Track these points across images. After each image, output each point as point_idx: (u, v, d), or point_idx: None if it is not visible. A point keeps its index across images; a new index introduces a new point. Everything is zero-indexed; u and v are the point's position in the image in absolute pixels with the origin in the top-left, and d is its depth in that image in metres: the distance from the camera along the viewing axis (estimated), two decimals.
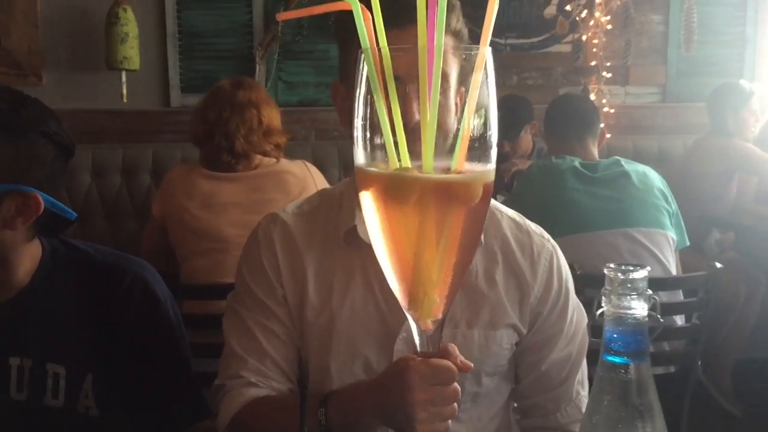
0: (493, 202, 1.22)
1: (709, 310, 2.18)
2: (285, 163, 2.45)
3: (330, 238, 1.15)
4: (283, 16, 0.72)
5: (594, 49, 4.00)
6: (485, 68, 0.63)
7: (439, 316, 0.68)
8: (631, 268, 0.66)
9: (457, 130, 0.63)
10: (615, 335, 0.67)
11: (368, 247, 1.09)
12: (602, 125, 2.92)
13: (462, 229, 0.64)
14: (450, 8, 1.07)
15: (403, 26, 0.99)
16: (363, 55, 0.64)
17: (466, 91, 0.64)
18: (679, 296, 2.29)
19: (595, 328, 0.70)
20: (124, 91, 3.71)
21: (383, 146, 0.63)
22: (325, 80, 3.87)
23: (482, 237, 1.14)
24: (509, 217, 1.19)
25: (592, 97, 3.93)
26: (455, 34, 1.05)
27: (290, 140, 2.60)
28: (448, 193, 0.63)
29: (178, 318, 1.30)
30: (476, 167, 0.64)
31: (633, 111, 4.16)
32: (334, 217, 1.16)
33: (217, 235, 2.31)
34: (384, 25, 1.00)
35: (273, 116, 2.44)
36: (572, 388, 1.17)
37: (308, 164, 2.55)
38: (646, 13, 4.08)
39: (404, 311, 0.67)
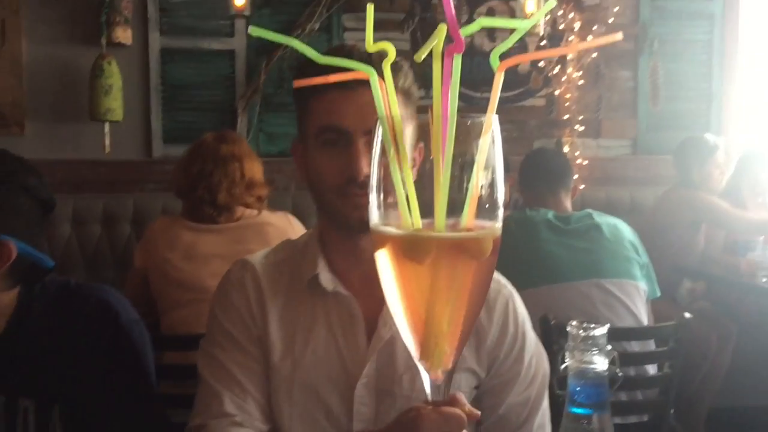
0: None
1: (680, 359, 2.23)
2: (266, 215, 2.49)
3: (294, 285, 1.18)
4: (299, 83, 0.76)
5: (567, 103, 4.13)
6: (492, 133, 0.68)
7: (450, 366, 0.71)
8: (592, 326, 0.72)
9: (466, 188, 0.67)
10: (578, 388, 0.72)
11: (331, 295, 1.16)
12: (576, 176, 3.01)
13: (472, 282, 0.68)
14: (398, 68, 1.15)
15: (353, 88, 1.07)
16: (378, 122, 0.68)
17: (469, 153, 0.67)
18: (651, 346, 2.34)
19: (562, 380, 0.75)
20: (107, 141, 3.76)
21: (395, 206, 0.67)
22: None
23: None
24: None
25: (566, 149, 4.05)
26: (404, 93, 1.13)
27: (271, 191, 2.65)
28: (460, 250, 0.67)
29: (144, 340, 1.31)
30: (486, 224, 0.68)
31: (605, 163, 4.28)
32: (298, 265, 1.20)
33: (199, 285, 2.33)
34: (330, 86, 1.08)
35: (255, 169, 2.48)
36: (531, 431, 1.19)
37: (289, 216, 2.60)
38: (616, 69, 4.24)
39: (416, 361, 0.71)
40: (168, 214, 2.86)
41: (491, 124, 0.68)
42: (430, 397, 0.75)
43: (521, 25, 0.72)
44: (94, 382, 1.24)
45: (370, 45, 0.70)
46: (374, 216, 0.69)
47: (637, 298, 2.35)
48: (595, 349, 0.71)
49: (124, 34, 3.75)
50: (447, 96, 0.67)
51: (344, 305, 1.16)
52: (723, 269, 3.54)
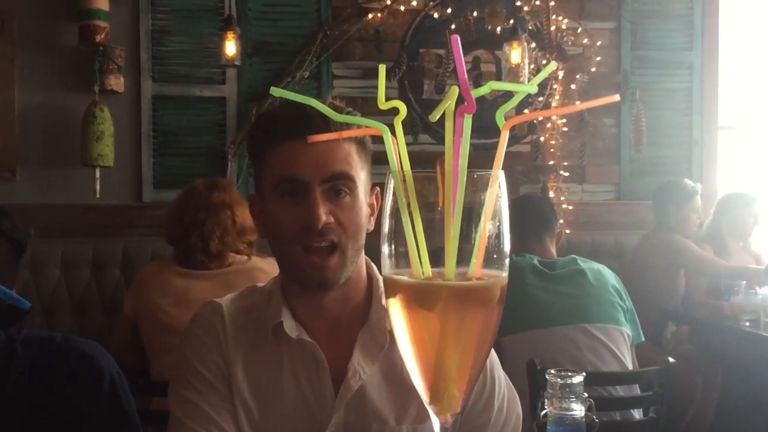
0: None
1: (665, 404, 2.25)
2: (256, 261, 2.50)
3: (259, 332, 1.18)
4: (313, 138, 0.79)
5: (552, 150, 4.22)
6: (498, 186, 0.72)
7: (458, 409, 0.72)
8: (570, 374, 0.76)
9: (474, 239, 0.70)
10: None
11: (295, 342, 1.16)
12: (561, 221, 3.05)
13: (480, 329, 0.71)
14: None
15: (302, 137, 1.09)
16: (391, 176, 0.71)
17: (476, 205, 0.71)
18: (636, 390, 2.36)
19: (542, 426, 0.78)
20: (98, 186, 3.79)
21: (406, 256, 0.70)
22: None
23: None
24: None
25: (551, 194, 4.12)
26: (357, 142, 1.15)
27: (260, 235, 2.67)
28: (470, 297, 0.70)
29: (127, 395, 1.31)
30: (492, 272, 0.71)
31: (590, 208, 4.35)
32: (263, 312, 1.20)
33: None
34: (283, 137, 1.11)
35: (246, 215, 2.50)
36: None
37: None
38: (599, 116, 4.34)
39: (425, 405, 0.72)
40: (158, 259, 2.87)
41: (497, 178, 0.72)
42: None
43: (525, 89, 0.77)
44: None
45: (382, 102, 0.75)
46: (386, 265, 0.72)
47: (621, 342, 2.38)
48: (572, 396, 0.75)
49: (116, 82, 3.81)
50: (458, 152, 0.72)
51: (309, 352, 1.16)
52: (706, 312, 3.58)
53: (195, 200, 2.47)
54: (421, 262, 0.70)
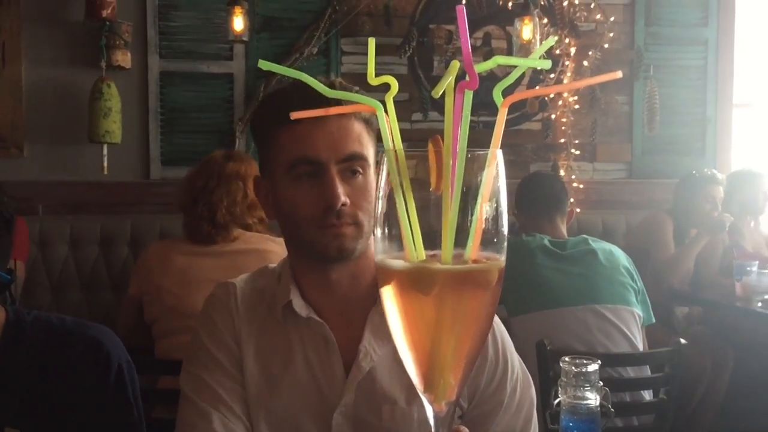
0: None
1: (676, 385, 2.24)
2: (267, 241, 2.44)
3: (271, 313, 1.18)
4: (296, 115, 0.75)
5: (563, 127, 4.16)
6: (497, 166, 0.69)
7: (453, 398, 0.71)
8: (585, 362, 0.73)
9: (471, 221, 0.68)
10: (571, 423, 0.73)
11: (304, 321, 1.15)
12: (572, 200, 3.02)
13: (476, 314, 0.68)
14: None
15: (323, 118, 1.07)
16: (384, 156, 0.69)
17: (478, 185, 0.68)
18: (647, 371, 2.34)
19: (555, 415, 0.76)
20: (105, 163, 3.78)
21: (399, 239, 0.67)
22: None
23: None
24: None
25: (562, 173, 4.07)
26: (365, 121, 1.13)
27: (269, 219, 2.63)
28: (467, 281, 0.67)
29: (134, 383, 1.31)
30: (490, 255, 0.68)
31: (601, 187, 4.31)
32: (274, 292, 1.19)
33: (193, 311, 2.28)
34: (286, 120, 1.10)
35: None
36: None
37: None
38: (611, 94, 4.28)
39: (420, 394, 0.70)
40: (165, 237, 2.85)
41: (495, 158, 0.69)
42: (433, 429, 0.75)
43: (529, 63, 0.72)
44: (82, 421, 1.24)
45: (372, 78, 0.72)
46: (378, 248, 0.69)
47: (632, 323, 2.36)
48: (587, 385, 0.72)
49: (123, 58, 3.78)
50: (458, 131, 0.68)
51: (318, 332, 1.15)
52: (718, 292, 3.54)
53: (209, 168, 2.43)
54: (415, 246, 0.67)
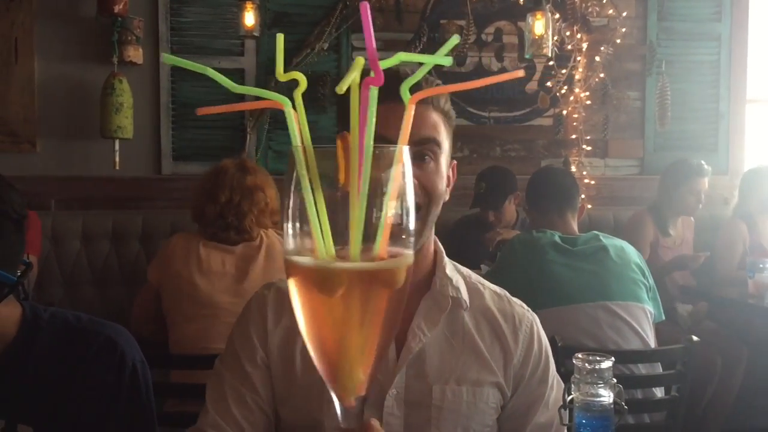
0: (476, 276, 1.29)
1: (687, 383, 2.22)
2: (275, 236, 2.57)
3: None
4: (201, 111, 0.74)
5: (574, 123, 4.15)
6: (403, 163, 0.69)
7: (363, 392, 0.70)
8: (599, 358, 0.73)
9: (378, 217, 0.68)
10: (584, 420, 0.73)
11: None
12: (582, 197, 3.00)
13: (385, 310, 0.68)
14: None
15: (400, 101, 1.10)
16: (293, 152, 0.68)
17: (385, 182, 0.68)
18: (658, 368, 2.33)
19: (568, 411, 0.76)
20: (117, 158, 3.79)
21: (309, 235, 0.67)
22: None
23: (467, 301, 1.21)
24: (491, 290, 1.27)
25: (573, 169, 4.06)
26: (444, 113, 1.17)
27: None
28: (375, 279, 0.67)
29: (148, 383, 1.32)
30: (398, 252, 0.68)
31: (612, 183, 4.29)
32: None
33: (209, 301, 2.37)
34: (379, 100, 1.11)
35: (275, 196, 2.59)
36: None
37: None
38: (623, 90, 4.26)
39: (328, 389, 0.70)
40: (176, 231, 2.88)
41: (402, 155, 0.69)
42: (342, 425, 0.74)
43: (431, 60, 0.73)
44: (94, 419, 1.24)
45: (281, 74, 0.71)
46: (288, 245, 0.69)
47: (644, 320, 2.34)
48: (600, 382, 0.72)
49: (135, 53, 3.79)
50: (365, 127, 0.69)
51: None
52: (736, 289, 3.52)
53: (228, 181, 2.55)
54: (324, 242, 0.67)
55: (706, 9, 4.42)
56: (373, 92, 0.70)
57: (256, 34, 3.80)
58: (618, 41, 4.14)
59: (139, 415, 1.30)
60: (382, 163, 0.68)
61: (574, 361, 0.73)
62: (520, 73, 0.81)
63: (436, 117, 1.15)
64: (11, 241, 1.22)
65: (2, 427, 1.22)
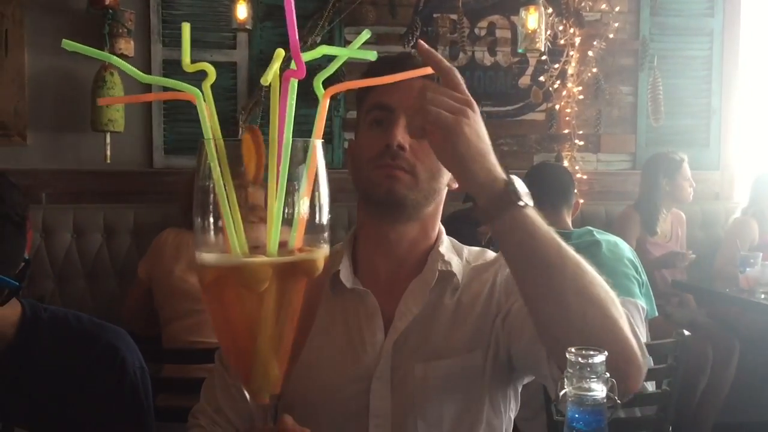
0: (470, 249, 1.25)
1: (679, 377, 2.23)
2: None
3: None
4: (103, 101, 0.74)
5: (567, 118, 4.14)
6: (317, 157, 0.70)
7: (278, 390, 0.70)
8: (592, 353, 0.72)
9: (292, 212, 0.68)
10: (576, 415, 0.73)
11: (349, 292, 1.17)
12: (576, 191, 3.00)
13: (302, 305, 0.68)
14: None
15: (399, 70, 1.12)
16: (203, 144, 0.68)
17: (300, 175, 0.69)
18: (649, 363, 2.34)
19: (561, 405, 0.76)
20: (108, 152, 3.77)
21: (221, 230, 0.67)
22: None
23: (459, 276, 1.18)
24: (474, 253, 1.25)
25: (566, 163, 4.06)
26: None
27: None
28: (295, 272, 0.67)
29: (147, 389, 1.32)
30: (314, 244, 0.69)
31: (605, 177, 4.29)
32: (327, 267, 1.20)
33: (200, 296, 2.36)
34: (383, 69, 1.13)
35: (257, 195, 2.55)
36: None
37: None
38: (616, 84, 4.26)
39: (243, 388, 0.70)
40: (168, 226, 2.87)
41: (316, 148, 0.69)
42: (257, 422, 0.74)
43: (349, 54, 0.77)
44: (93, 423, 1.24)
45: (188, 65, 0.71)
46: (199, 242, 0.68)
47: (636, 316, 2.35)
48: (593, 376, 0.71)
49: (126, 46, 3.76)
50: (284, 119, 0.69)
51: (362, 301, 1.17)
52: (724, 282, 3.55)
53: None
54: (237, 237, 0.66)
55: (699, 4, 4.43)
56: (293, 84, 0.69)
57: (248, 27, 3.78)
58: (611, 36, 4.14)
59: (137, 421, 1.29)
60: (299, 156, 0.68)
61: (567, 356, 0.72)
62: (428, 70, 0.87)
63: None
64: (12, 243, 1.21)
65: None
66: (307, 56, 0.71)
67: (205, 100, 0.69)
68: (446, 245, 1.23)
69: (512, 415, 1.24)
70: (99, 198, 3.81)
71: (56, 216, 3.62)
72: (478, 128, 0.93)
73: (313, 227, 0.69)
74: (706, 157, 4.44)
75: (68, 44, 0.67)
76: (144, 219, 3.69)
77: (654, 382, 2.34)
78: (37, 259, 3.52)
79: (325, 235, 0.70)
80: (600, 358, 0.72)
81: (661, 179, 3.71)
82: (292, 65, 0.72)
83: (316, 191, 0.69)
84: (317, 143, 0.70)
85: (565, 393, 0.73)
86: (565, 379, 0.73)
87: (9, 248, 1.20)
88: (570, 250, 0.91)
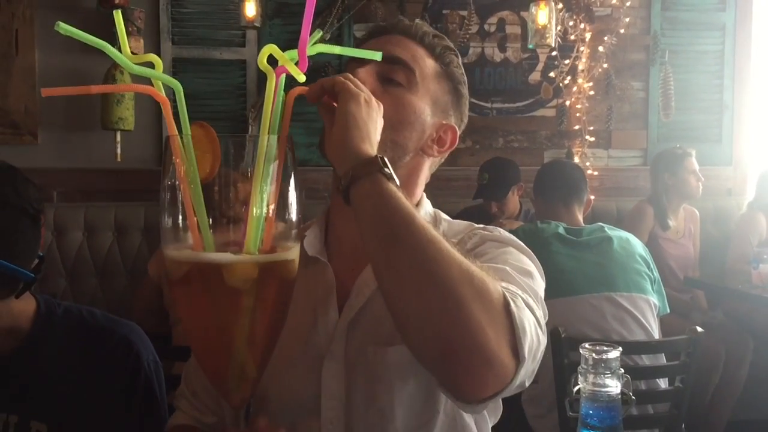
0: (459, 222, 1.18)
1: (691, 373, 2.22)
2: None
3: None
4: (46, 92, 0.71)
5: (577, 114, 4.12)
6: (288, 153, 0.70)
7: (248, 394, 0.69)
8: (606, 348, 0.72)
9: (265, 210, 0.67)
10: (591, 411, 0.72)
11: (311, 261, 1.09)
12: (587, 188, 2.99)
13: (275, 302, 0.68)
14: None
15: (388, 33, 1.13)
16: (167, 141, 0.67)
17: (270, 171, 0.68)
18: (662, 360, 2.33)
19: (574, 402, 0.74)
20: (119, 150, 3.78)
21: (186, 229, 0.65)
22: (315, 141, 3.92)
23: None
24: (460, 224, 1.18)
25: (576, 160, 4.04)
26: (431, 51, 1.13)
27: None
28: (275, 269, 0.66)
29: (161, 382, 1.32)
30: (284, 243, 0.68)
31: (616, 174, 4.27)
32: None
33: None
34: (372, 35, 1.15)
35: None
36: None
37: None
38: (627, 80, 4.23)
39: (216, 391, 0.68)
40: None
41: (285, 144, 0.70)
42: (229, 424, 0.73)
43: (347, 53, 0.84)
44: (107, 418, 1.24)
45: (128, 55, 0.73)
46: (168, 240, 0.66)
47: (648, 312, 2.33)
48: (607, 372, 0.71)
49: (136, 44, 3.77)
50: (271, 116, 0.72)
51: (320, 272, 1.09)
52: (736, 279, 3.53)
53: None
54: (205, 235, 0.65)
55: None
56: (281, 80, 0.71)
57: (257, 24, 3.78)
58: (621, 31, 4.11)
59: (152, 414, 1.30)
60: (270, 153, 0.67)
61: (581, 351, 0.72)
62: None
63: (415, 48, 1.11)
64: (28, 237, 1.21)
65: (15, 423, 1.22)
66: (290, 54, 0.72)
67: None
68: (424, 212, 1.15)
69: (489, 415, 1.12)
70: (110, 196, 3.82)
71: (68, 214, 3.63)
72: (369, 111, 0.90)
73: (284, 225, 0.69)
74: (719, 152, 4.40)
75: (63, 28, 0.67)
76: (155, 217, 3.69)
77: (667, 379, 2.33)
78: (48, 258, 3.53)
79: (294, 232, 0.69)
80: (614, 353, 0.71)
81: (663, 174, 3.69)
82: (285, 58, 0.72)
83: (285, 189, 0.69)
84: (286, 139, 0.71)
85: (579, 389, 0.72)
86: (579, 375, 0.72)
87: (25, 241, 1.21)
88: (426, 228, 0.80)
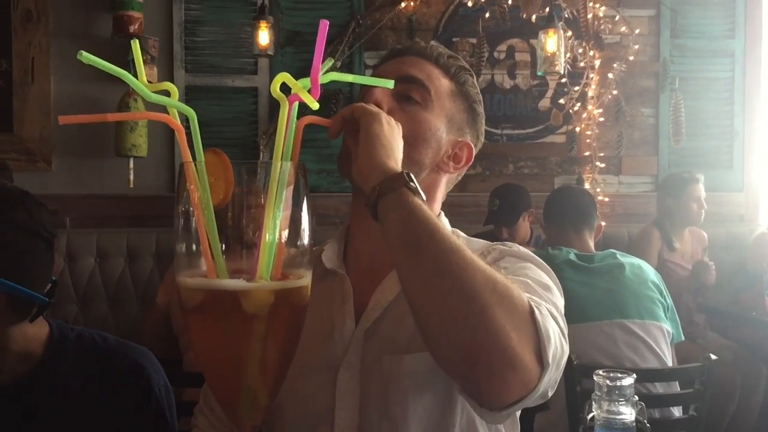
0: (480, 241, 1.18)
1: (706, 401, 2.19)
2: None
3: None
4: (63, 120, 0.72)
5: (588, 140, 4.13)
6: (299, 179, 0.70)
7: (259, 421, 0.70)
8: (620, 375, 0.71)
9: (273, 239, 0.67)
10: None
11: (330, 273, 1.12)
12: (598, 214, 2.99)
13: (287, 329, 0.68)
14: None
15: (404, 55, 1.15)
16: (189, 167, 0.68)
17: (278, 203, 0.68)
18: (676, 387, 2.30)
19: (588, 429, 0.74)
20: (131, 177, 3.82)
21: (199, 256, 0.65)
22: (326, 167, 3.96)
23: None
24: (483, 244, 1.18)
25: (587, 186, 4.04)
26: (446, 71, 1.15)
27: None
28: (288, 297, 0.67)
29: (172, 407, 1.32)
30: (296, 270, 0.69)
31: (627, 200, 4.27)
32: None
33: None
34: (388, 57, 1.17)
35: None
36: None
37: None
38: (637, 106, 4.25)
39: (227, 417, 0.69)
40: None
41: (296, 170, 0.70)
42: None
43: (361, 81, 0.84)
44: None
45: (144, 83, 0.72)
46: (180, 265, 0.66)
47: (661, 339, 2.31)
48: (622, 399, 0.70)
49: (150, 72, 3.82)
50: (283, 144, 0.71)
51: (338, 284, 1.11)
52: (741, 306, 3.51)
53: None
54: (218, 262, 0.65)
55: (720, 26, 4.41)
56: (294, 108, 0.71)
57: (270, 52, 3.83)
58: (631, 58, 4.13)
59: None
60: (283, 179, 0.67)
61: (595, 378, 0.71)
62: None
63: (430, 68, 1.13)
64: (42, 260, 1.22)
65: None
66: (322, 79, 0.73)
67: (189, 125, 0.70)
68: None
69: (504, 431, 1.10)
70: (122, 222, 3.85)
71: (80, 240, 3.66)
72: (390, 129, 0.94)
73: (297, 252, 0.69)
74: (730, 178, 4.39)
75: (85, 57, 0.68)
76: (166, 243, 3.71)
77: (681, 408, 2.30)
78: (60, 283, 3.53)
79: (307, 259, 0.70)
80: (628, 380, 0.71)
81: (667, 197, 3.69)
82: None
83: (297, 216, 0.69)
84: (297, 166, 0.71)
85: (593, 416, 0.72)
86: (593, 402, 0.72)
87: (39, 265, 1.22)
88: (450, 238, 0.82)
